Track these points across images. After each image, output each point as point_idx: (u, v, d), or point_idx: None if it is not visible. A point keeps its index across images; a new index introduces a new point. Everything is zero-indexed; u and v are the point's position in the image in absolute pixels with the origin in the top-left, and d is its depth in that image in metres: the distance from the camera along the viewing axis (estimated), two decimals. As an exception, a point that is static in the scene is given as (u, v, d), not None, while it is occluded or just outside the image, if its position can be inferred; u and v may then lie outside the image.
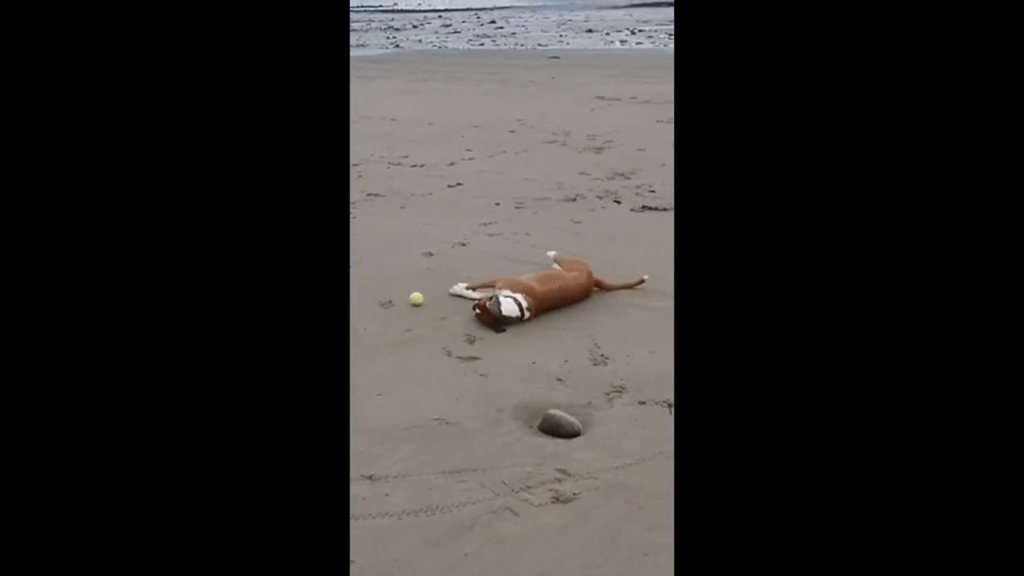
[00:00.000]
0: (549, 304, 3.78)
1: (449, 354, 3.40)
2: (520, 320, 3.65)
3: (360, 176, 6.56)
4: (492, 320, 3.62)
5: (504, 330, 3.61)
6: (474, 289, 3.95)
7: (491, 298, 3.67)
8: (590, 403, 2.99)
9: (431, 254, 4.64)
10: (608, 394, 3.05)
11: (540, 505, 2.39)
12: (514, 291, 3.71)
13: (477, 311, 3.68)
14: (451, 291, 4.01)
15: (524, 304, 3.66)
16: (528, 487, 2.47)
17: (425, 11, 53.42)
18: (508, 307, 3.63)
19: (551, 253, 4.30)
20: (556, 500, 2.41)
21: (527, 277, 3.89)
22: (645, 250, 4.61)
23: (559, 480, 2.50)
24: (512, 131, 8.53)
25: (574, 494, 2.43)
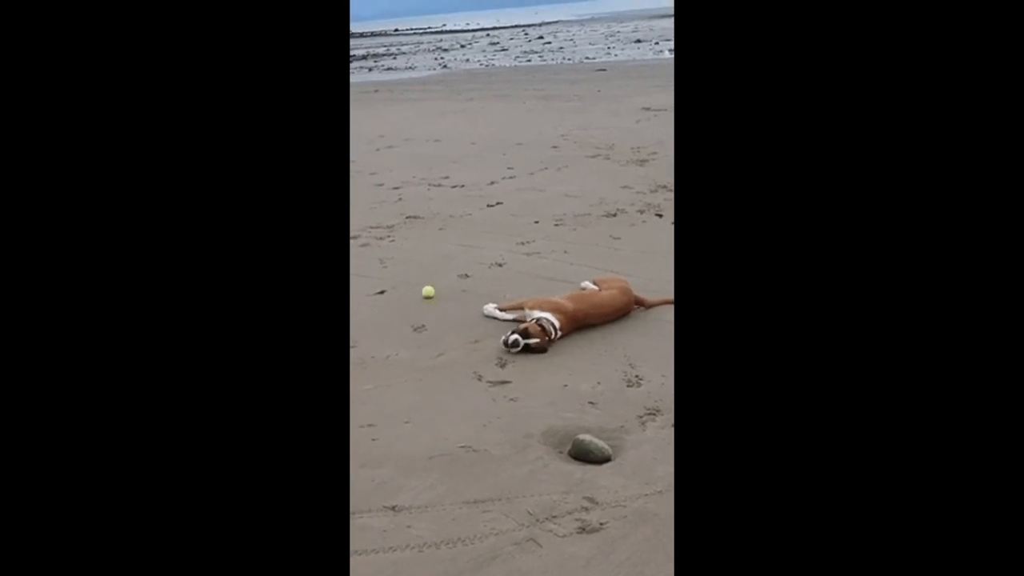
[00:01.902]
0: (580, 322, 3.71)
1: (480, 378, 3.35)
2: (552, 340, 3.59)
3: (400, 199, 6.58)
4: (548, 340, 3.55)
5: (546, 349, 3.54)
6: (504, 310, 3.90)
7: (537, 319, 3.59)
8: (622, 426, 2.90)
9: (467, 276, 4.61)
10: (641, 417, 2.95)
11: (565, 536, 2.31)
12: (543, 310, 3.64)
13: (534, 340, 3.53)
14: (484, 312, 3.97)
15: (556, 324, 3.59)
16: (553, 517, 2.39)
17: (473, 30, 54.02)
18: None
19: (585, 283, 4.19)
20: (582, 530, 2.32)
21: (558, 296, 3.82)
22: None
23: (586, 509, 2.42)
24: (555, 147, 8.49)
25: (600, 524, 2.34)
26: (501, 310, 3.91)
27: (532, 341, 3.51)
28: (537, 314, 3.62)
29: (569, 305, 3.70)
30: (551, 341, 3.56)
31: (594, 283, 4.11)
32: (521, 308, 3.76)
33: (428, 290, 4.31)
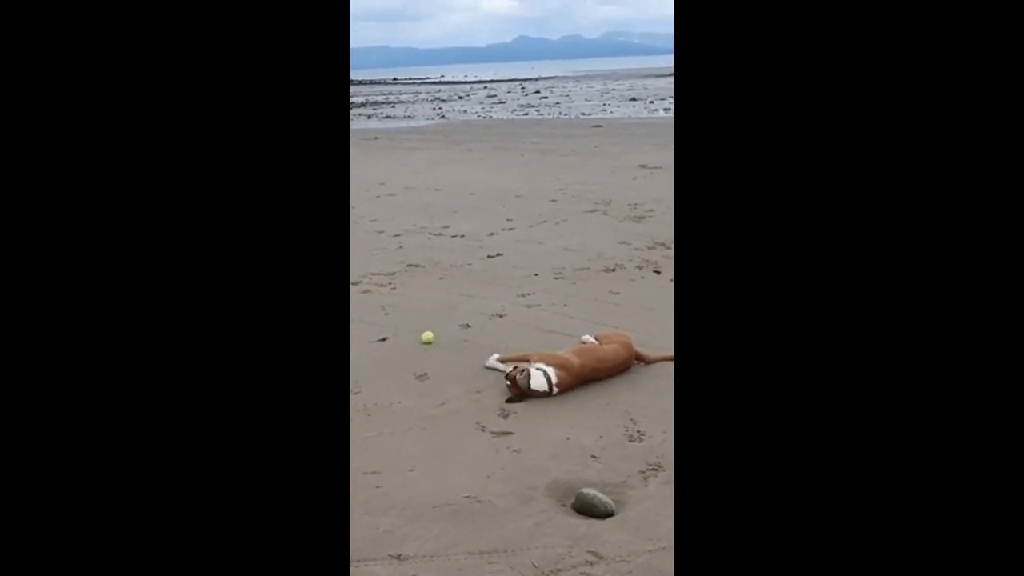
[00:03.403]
0: (585, 377, 3.74)
1: (483, 429, 3.37)
2: (548, 394, 3.61)
3: (401, 247, 6.65)
4: (519, 393, 3.59)
5: (519, 400, 3.58)
6: (505, 362, 3.93)
7: (522, 371, 3.64)
8: (625, 481, 2.92)
9: (468, 326, 4.65)
10: (643, 472, 2.98)
11: (570, 590, 2.32)
12: (547, 364, 3.68)
13: (508, 383, 3.65)
14: (486, 364, 4.00)
15: (553, 379, 3.62)
16: (559, 570, 2.40)
17: (471, 82, 54.83)
18: (537, 381, 3.60)
19: (586, 337, 4.23)
20: (587, 585, 2.33)
21: (563, 351, 3.86)
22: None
23: (591, 563, 2.43)
24: (553, 200, 8.60)
25: (606, 579, 2.36)
26: (504, 362, 3.94)
27: (508, 380, 3.62)
28: (540, 366, 3.66)
29: (575, 360, 3.73)
30: (524, 395, 3.60)
31: (595, 338, 4.15)
32: (525, 361, 3.78)
33: (427, 335, 4.36)
